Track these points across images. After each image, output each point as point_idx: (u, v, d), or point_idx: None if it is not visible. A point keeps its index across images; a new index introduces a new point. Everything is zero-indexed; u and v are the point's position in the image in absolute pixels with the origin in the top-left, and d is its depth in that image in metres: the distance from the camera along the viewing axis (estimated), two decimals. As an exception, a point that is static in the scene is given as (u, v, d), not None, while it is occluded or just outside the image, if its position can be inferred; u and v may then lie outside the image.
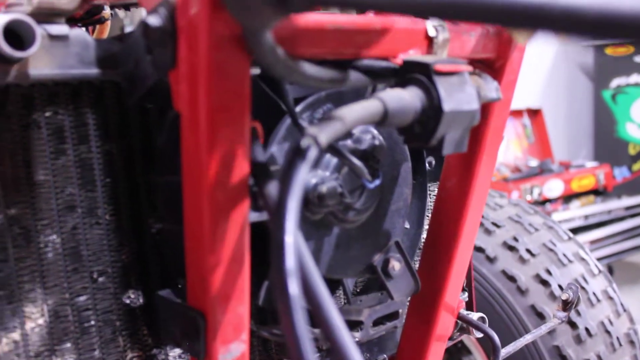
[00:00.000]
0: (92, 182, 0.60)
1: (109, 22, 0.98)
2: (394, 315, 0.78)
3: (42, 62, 0.54)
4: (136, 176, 0.62)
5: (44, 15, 0.58)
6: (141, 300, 0.63)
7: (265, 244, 0.57)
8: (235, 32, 0.47)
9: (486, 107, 0.69)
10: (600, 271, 1.37)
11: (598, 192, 3.97)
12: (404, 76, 0.54)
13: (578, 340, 1.26)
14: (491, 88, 0.60)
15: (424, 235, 0.85)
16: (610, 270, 3.90)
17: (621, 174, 4.62)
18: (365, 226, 0.70)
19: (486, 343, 0.91)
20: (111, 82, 0.59)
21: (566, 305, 1.00)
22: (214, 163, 0.50)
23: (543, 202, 3.70)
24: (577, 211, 3.67)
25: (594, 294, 1.32)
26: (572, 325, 1.26)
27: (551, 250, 1.35)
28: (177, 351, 0.67)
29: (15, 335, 0.56)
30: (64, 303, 0.59)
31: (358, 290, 0.82)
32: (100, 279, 0.61)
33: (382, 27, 0.56)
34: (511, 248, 1.33)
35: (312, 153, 0.45)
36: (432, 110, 0.52)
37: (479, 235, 1.35)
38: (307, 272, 0.44)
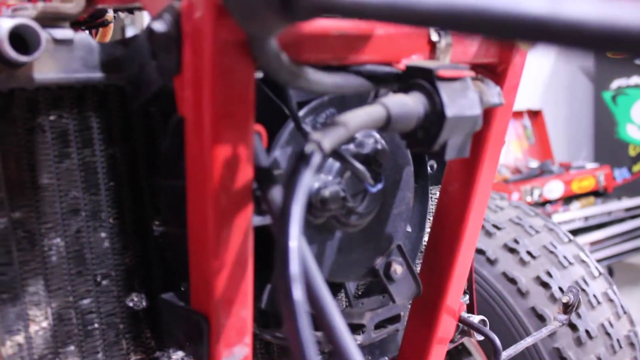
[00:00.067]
0: (96, 186, 0.60)
1: (112, 25, 0.98)
2: (395, 319, 0.79)
3: (46, 66, 0.54)
4: (140, 180, 0.63)
5: (49, 20, 0.58)
6: (144, 304, 0.64)
7: (268, 248, 0.57)
8: (240, 38, 0.47)
9: (488, 112, 0.69)
10: (600, 273, 1.38)
11: (598, 194, 3.97)
12: (406, 81, 0.55)
13: (578, 342, 1.26)
14: (493, 93, 0.60)
15: (426, 238, 0.85)
16: (610, 271, 3.90)
17: (621, 175, 4.62)
18: (367, 230, 0.70)
19: (487, 345, 0.92)
20: (115, 86, 0.60)
21: (567, 308, 1.00)
22: (218, 167, 0.50)
23: (543, 203, 3.70)
24: (577, 212, 3.67)
25: (595, 296, 1.32)
26: (573, 327, 1.26)
27: (552, 252, 1.35)
28: (180, 354, 0.67)
29: (20, 338, 0.57)
30: (68, 306, 0.59)
31: (360, 293, 0.82)
32: (104, 282, 0.61)
33: (385, 33, 0.56)
34: (512, 250, 1.34)
35: (316, 159, 0.45)
36: (435, 116, 0.52)
37: (479, 237, 1.35)
38: (310, 277, 0.44)
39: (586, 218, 3.69)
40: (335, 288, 0.77)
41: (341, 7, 0.33)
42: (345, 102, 0.67)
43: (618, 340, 1.30)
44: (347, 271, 0.71)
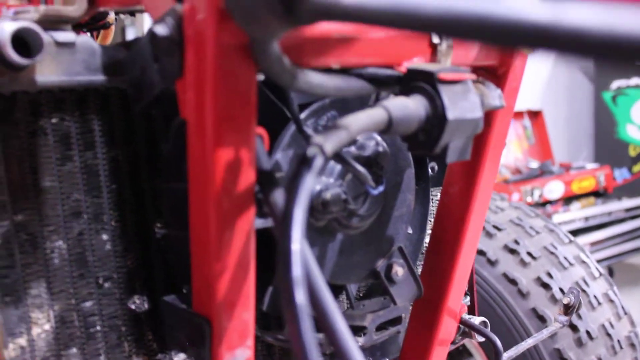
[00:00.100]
0: (97, 188, 0.60)
1: (113, 27, 0.98)
2: (396, 320, 0.79)
3: (49, 69, 0.54)
4: (141, 182, 0.63)
5: (51, 22, 0.58)
6: (146, 306, 0.64)
7: (269, 250, 0.57)
8: (242, 41, 0.47)
9: (489, 115, 0.69)
10: (601, 274, 1.38)
11: (598, 194, 3.97)
12: (408, 84, 0.55)
13: (579, 343, 1.26)
14: (494, 96, 0.60)
15: (427, 239, 0.85)
16: (611, 272, 3.90)
17: (621, 175, 4.62)
18: (368, 232, 0.70)
19: (488, 346, 0.92)
20: (117, 89, 0.60)
21: (567, 309, 1.00)
22: (220, 170, 0.50)
23: (543, 203, 3.70)
24: (578, 213, 3.67)
25: (595, 297, 1.33)
26: (573, 328, 1.26)
27: (552, 253, 1.36)
28: (182, 356, 0.67)
29: (22, 341, 0.57)
30: (70, 308, 0.59)
31: (361, 295, 0.82)
32: (106, 285, 0.61)
33: (386, 35, 0.56)
34: (512, 251, 1.34)
35: (318, 162, 0.45)
36: (436, 119, 0.52)
37: (480, 238, 1.35)
38: (312, 279, 0.44)
39: (586, 218, 3.69)
40: (337, 290, 0.77)
41: (344, 12, 0.33)
42: (347, 104, 0.67)
43: (619, 341, 1.30)
44: (348, 273, 0.71)
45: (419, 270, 0.86)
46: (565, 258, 1.35)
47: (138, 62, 0.57)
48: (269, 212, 0.52)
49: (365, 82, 0.56)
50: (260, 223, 0.55)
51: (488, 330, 0.86)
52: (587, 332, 1.26)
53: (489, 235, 1.37)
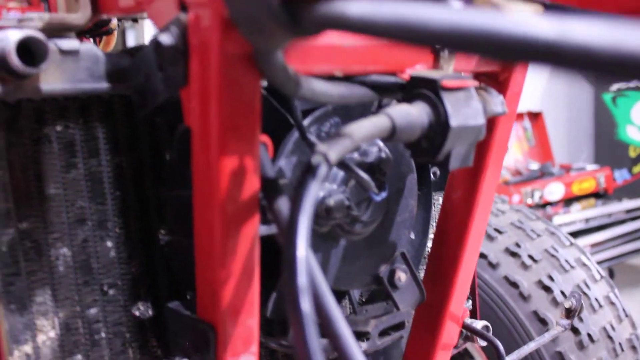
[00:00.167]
0: (102, 195, 0.60)
1: (115, 33, 0.98)
2: (399, 326, 0.79)
3: (53, 77, 0.55)
4: (146, 189, 0.63)
5: (55, 30, 0.59)
6: (151, 313, 0.64)
7: (273, 256, 0.58)
8: (246, 50, 0.47)
9: (491, 121, 0.69)
10: (602, 277, 1.38)
11: (599, 195, 3.98)
12: (411, 91, 0.55)
13: (580, 346, 1.26)
14: (497, 102, 0.60)
15: (429, 244, 0.86)
16: (611, 273, 3.91)
17: (622, 176, 4.63)
18: (371, 238, 0.70)
19: (489, 349, 0.92)
20: (120, 96, 0.60)
21: (569, 313, 1.01)
22: (224, 178, 0.50)
23: (544, 205, 3.70)
24: (578, 214, 3.68)
25: (596, 299, 1.33)
26: (575, 331, 1.26)
27: (553, 256, 1.36)
28: (186, 362, 0.67)
29: (27, 348, 0.57)
30: (75, 315, 0.60)
31: (364, 300, 0.82)
32: (111, 292, 0.62)
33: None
34: (513, 254, 1.34)
35: (323, 170, 0.45)
36: (439, 126, 0.52)
37: (481, 242, 1.35)
38: (316, 286, 0.45)
39: (587, 220, 3.70)
40: (340, 295, 0.77)
41: (349, 24, 0.33)
42: (350, 111, 0.67)
43: (620, 343, 1.30)
44: (351, 279, 0.71)
45: (422, 275, 0.86)
46: (567, 261, 1.36)
47: (142, 70, 0.57)
48: (273, 219, 0.53)
49: (368, 89, 0.56)
50: (264, 230, 0.55)
51: (490, 334, 0.87)
52: (589, 335, 1.27)
53: (490, 238, 1.37)
